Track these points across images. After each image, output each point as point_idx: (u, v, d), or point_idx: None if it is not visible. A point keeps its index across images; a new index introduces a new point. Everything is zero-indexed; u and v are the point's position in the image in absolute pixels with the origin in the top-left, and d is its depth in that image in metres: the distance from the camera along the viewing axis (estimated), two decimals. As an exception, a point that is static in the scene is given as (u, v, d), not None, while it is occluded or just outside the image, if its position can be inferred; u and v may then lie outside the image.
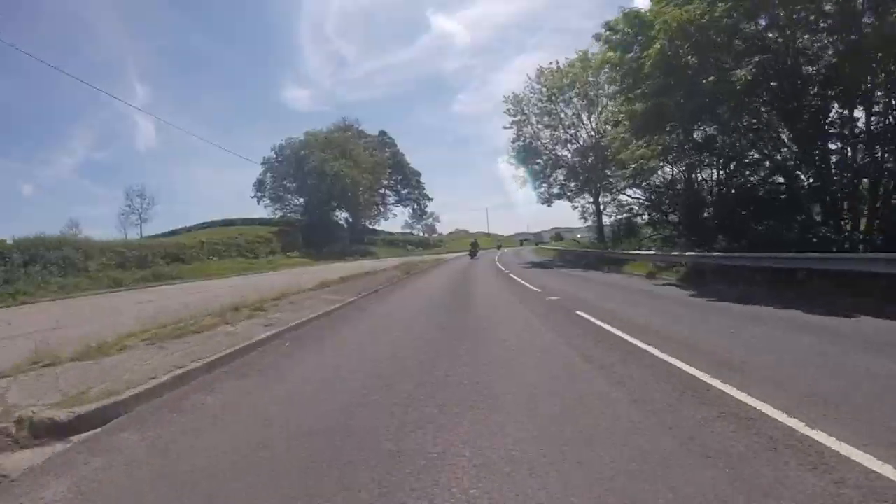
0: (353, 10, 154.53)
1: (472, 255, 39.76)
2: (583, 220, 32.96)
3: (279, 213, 52.48)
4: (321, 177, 46.23)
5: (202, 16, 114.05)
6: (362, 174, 50.66)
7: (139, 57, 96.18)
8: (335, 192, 47.78)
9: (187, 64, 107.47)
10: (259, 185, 51.83)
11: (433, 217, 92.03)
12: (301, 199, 52.59)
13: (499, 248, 64.15)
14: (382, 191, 73.23)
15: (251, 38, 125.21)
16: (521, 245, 79.54)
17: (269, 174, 52.74)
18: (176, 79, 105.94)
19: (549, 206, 33.52)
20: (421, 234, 77.27)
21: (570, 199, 32.40)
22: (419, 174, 71.16)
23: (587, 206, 31.96)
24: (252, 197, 52.26)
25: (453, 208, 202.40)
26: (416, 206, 69.14)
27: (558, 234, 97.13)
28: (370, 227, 73.62)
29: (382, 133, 71.39)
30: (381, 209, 73.64)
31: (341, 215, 56.94)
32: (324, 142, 50.92)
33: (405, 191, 69.16)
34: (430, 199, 68.99)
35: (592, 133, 30.23)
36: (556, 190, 32.65)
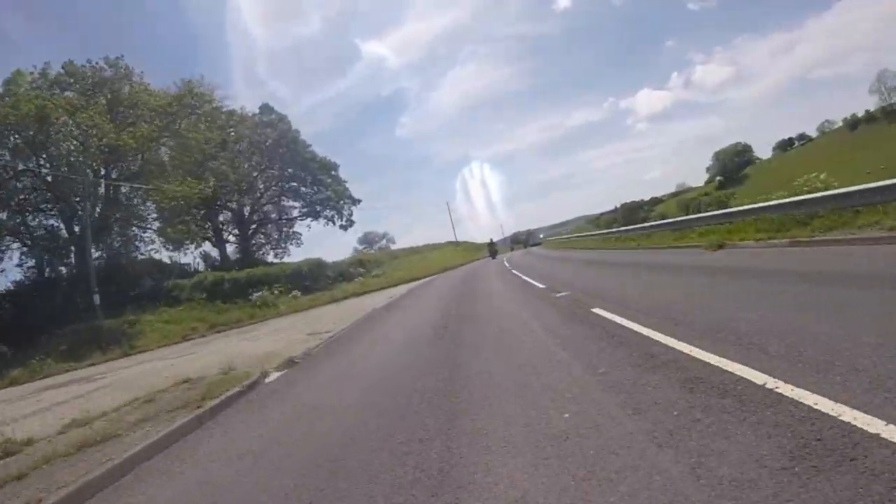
0: (280, 50, 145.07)
1: (493, 255, 39.65)
2: None
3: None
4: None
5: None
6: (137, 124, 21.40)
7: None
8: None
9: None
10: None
11: (387, 238, 66.73)
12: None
13: (511, 250, 54.34)
14: (280, 200, 44.20)
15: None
16: (526, 247, 61.79)
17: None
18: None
19: None
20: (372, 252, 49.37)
21: None
22: (336, 166, 42.82)
23: None
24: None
25: (413, 229, 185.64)
26: (333, 215, 40.42)
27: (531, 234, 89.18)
28: (275, 259, 43.79)
29: (266, 108, 42.87)
30: (281, 228, 44.44)
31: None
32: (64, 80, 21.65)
33: (309, 190, 40.44)
34: (356, 203, 40.62)
35: None
36: None
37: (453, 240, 58.08)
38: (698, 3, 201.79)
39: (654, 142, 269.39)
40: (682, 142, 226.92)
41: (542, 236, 70.53)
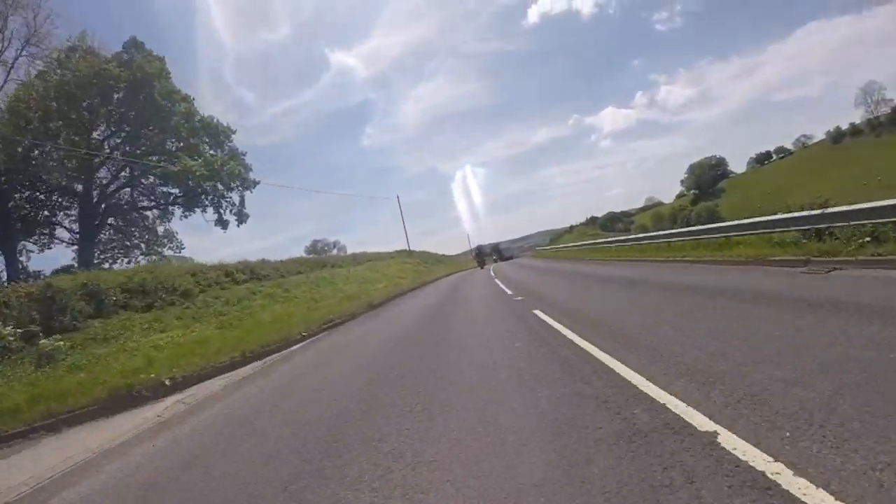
0: (249, 56, 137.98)
1: (480, 265, 36.71)
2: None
3: None
4: None
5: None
6: None
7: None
8: None
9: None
10: None
11: (338, 246, 62.75)
12: None
13: (495, 260, 46.48)
14: (152, 182, 29.69)
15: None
16: (502, 259, 49.42)
17: None
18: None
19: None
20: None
21: None
22: (229, 132, 28.66)
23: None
24: None
25: (378, 239, 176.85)
26: (221, 203, 26.21)
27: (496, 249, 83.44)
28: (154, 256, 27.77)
29: (134, 45, 27.98)
30: (148, 223, 29.86)
31: None
32: None
33: (178, 166, 25.84)
34: (251, 187, 26.63)
35: None
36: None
37: (406, 248, 44.48)
38: (665, 25, 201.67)
39: (617, 159, 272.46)
40: (645, 160, 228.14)
41: (510, 248, 59.70)
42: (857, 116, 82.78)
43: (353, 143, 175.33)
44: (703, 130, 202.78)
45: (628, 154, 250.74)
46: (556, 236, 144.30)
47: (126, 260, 31.70)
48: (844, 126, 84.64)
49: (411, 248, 45.94)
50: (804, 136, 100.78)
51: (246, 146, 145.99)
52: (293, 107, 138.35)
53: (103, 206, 29.20)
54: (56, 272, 25.46)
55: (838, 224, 7.67)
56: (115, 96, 26.06)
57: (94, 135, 26.94)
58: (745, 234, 10.55)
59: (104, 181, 29.09)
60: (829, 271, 6.19)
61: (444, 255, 59.36)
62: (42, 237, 29.27)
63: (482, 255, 39.54)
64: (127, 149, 26.69)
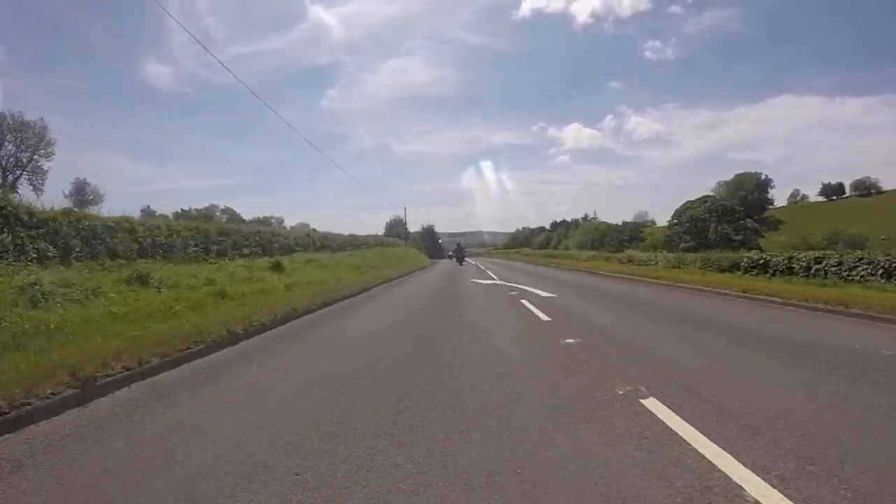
0: None
1: (459, 261, 38.59)
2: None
3: None
4: None
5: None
6: None
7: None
8: None
9: (35, 26, 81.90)
10: None
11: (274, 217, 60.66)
12: None
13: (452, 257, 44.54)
14: None
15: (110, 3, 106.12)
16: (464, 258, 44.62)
17: None
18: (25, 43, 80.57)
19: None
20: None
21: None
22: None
23: None
24: None
25: (311, 207, 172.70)
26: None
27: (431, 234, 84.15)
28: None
29: None
30: None
31: None
32: None
33: None
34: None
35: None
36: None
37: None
38: (656, 54, 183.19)
39: (569, 178, 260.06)
40: (594, 185, 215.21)
41: (459, 244, 48.21)
42: None
43: (311, 101, 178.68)
44: (656, 171, 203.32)
45: (581, 176, 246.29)
46: (515, 239, 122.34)
47: None
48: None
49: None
50: (867, 177, 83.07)
51: (203, 81, 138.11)
52: (260, 51, 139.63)
53: None
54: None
55: None
56: None
57: None
58: None
59: None
60: None
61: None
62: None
63: (462, 251, 41.89)
64: None
